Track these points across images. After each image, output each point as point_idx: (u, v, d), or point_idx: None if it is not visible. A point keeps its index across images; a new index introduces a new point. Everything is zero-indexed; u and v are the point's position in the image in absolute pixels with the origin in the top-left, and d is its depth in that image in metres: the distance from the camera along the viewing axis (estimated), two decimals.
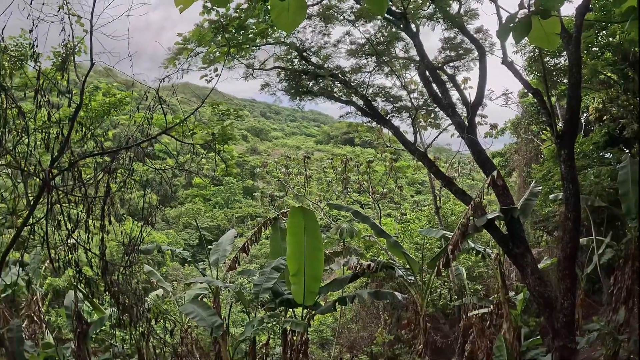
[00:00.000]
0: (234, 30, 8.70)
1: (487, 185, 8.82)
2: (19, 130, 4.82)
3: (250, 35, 9.33)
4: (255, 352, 10.20)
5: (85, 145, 5.62)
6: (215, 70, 9.37)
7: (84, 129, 5.34)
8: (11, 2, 4.39)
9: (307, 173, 22.19)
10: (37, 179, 4.88)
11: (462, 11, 10.32)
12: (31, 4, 4.65)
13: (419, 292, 10.78)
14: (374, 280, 14.91)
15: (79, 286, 7.60)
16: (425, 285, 10.97)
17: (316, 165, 30.73)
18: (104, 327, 9.72)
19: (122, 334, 9.62)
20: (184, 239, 39.64)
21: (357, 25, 10.92)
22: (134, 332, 6.99)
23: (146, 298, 8.57)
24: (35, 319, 9.04)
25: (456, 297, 14.09)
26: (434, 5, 10.14)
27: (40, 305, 9.20)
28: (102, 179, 5.14)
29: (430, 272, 10.57)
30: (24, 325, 8.28)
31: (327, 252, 14.35)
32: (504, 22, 2.79)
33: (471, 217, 8.88)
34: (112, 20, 5.15)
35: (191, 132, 6.47)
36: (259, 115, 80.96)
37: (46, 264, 8.91)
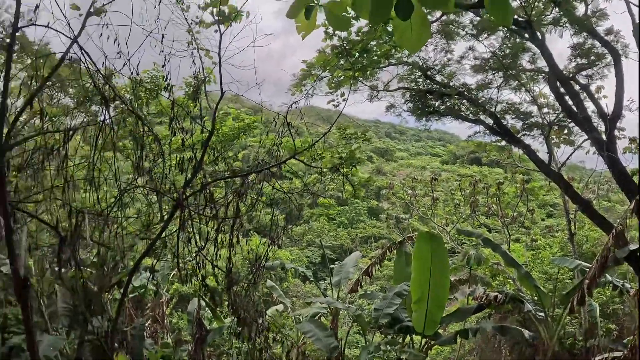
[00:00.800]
0: (357, 54, 8.87)
1: (630, 211, 7.94)
2: (155, 155, 5.37)
3: (374, 58, 9.44)
4: None
5: (217, 167, 6.12)
6: (342, 94, 9.53)
7: (215, 152, 5.80)
8: (144, 39, 4.97)
9: (434, 195, 21.75)
10: (172, 199, 5.40)
11: (589, 12, 9.54)
12: (162, 41, 5.21)
13: (547, 330, 9.96)
14: (497, 311, 14.06)
15: (202, 296, 8.15)
16: (555, 323, 10.10)
17: (442, 187, 30.01)
18: (221, 338, 10.26)
19: (238, 343, 10.14)
20: (307, 257, 40.72)
21: (480, 39, 10.57)
22: (249, 346, 7.33)
23: (266, 313, 8.92)
24: (159, 319, 9.83)
25: (586, 336, 12.76)
26: (558, 9, 9.48)
27: (165, 308, 10.00)
28: (232, 201, 5.53)
29: (561, 308, 9.71)
30: (147, 325, 9.02)
31: (452, 279, 13.88)
32: (638, 19, 2.55)
33: (612, 247, 8.04)
34: (238, 52, 5.60)
35: (319, 156, 6.73)
36: (384, 135, 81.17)
37: (174, 272, 9.77)
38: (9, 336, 9.83)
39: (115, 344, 6.42)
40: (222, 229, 5.66)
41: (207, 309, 9.65)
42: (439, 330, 10.76)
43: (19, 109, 4.54)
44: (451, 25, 10.43)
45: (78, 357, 6.36)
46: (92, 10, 4.77)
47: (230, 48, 5.55)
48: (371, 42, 8.94)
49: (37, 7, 4.32)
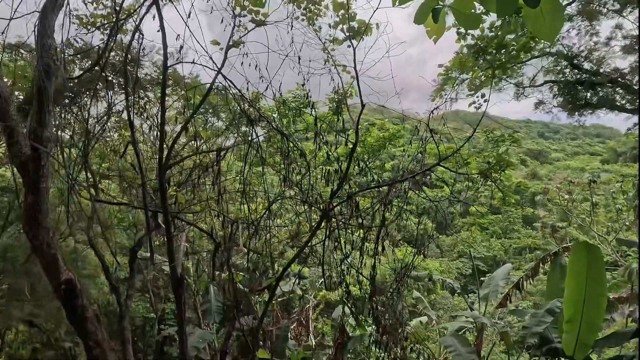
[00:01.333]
0: (494, 51, 8.48)
1: None
2: (302, 168, 5.68)
3: (512, 53, 8.95)
4: None
5: (364, 178, 6.29)
6: (483, 95, 9.24)
7: (361, 163, 5.97)
8: (281, 63, 5.29)
9: (593, 199, 19.83)
10: (319, 209, 5.67)
11: None
12: (299, 62, 5.48)
13: None
14: None
15: (347, 303, 8.36)
16: None
17: (603, 189, 27.25)
18: (361, 347, 10.40)
19: (377, 353, 10.19)
20: (457, 268, 39.61)
21: (624, 14, 9.42)
22: (387, 355, 7.34)
23: (408, 323, 8.88)
24: (304, 323, 10.24)
25: None
26: None
27: (311, 313, 10.40)
28: (378, 210, 5.65)
29: None
30: (292, 327, 9.43)
31: (611, 296, 12.53)
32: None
33: None
34: (374, 64, 5.71)
35: (465, 161, 6.57)
36: (536, 136, 76.13)
37: (322, 279, 10.15)
38: (164, 327, 11.09)
39: (260, 342, 6.84)
40: (368, 238, 5.79)
41: (351, 316, 9.88)
42: (591, 356, 9.77)
43: (175, 134, 5.10)
44: (592, 4, 9.47)
45: (224, 349, 6.90)
46: (230, 43, 5.20)
47: (366, 61, 5.67)
48: (507, 37, 8.46)
49: (181, 47, 4.88)
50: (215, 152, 5.23)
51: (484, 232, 47.81)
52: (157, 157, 4.68)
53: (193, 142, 6.02)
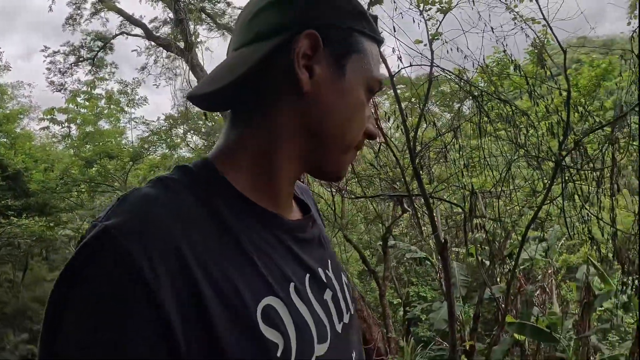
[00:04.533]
0: None
1: None
2: (526, 127, 6.24)
3: None
4: None
5: (586, 123, 6.58)
6: None
7: (579, 108, 6.29)
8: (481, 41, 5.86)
9: None
10: (550, 163, 6.18)
11: None
12: (492, 30, 6.06)
13: None
14: None
15: (592, 259, 8.45)
16: None
17: None
18: (609, 303, 10.16)
19: (623, 313, 9.90)
20: None
21: None
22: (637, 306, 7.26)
23: None
24: (547, 290, 10.36)
25: None
26: None
27: (553, 278, 10.48)
28: (606, 151, 5.93)
29: None
30: (536, 294, 9.68)
31: None
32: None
33: None
34: (559, 7, 5.97)
35: None
36: None
37: (562, 242, 10.21)
38: (410, 308, 12.12)
39: (508, 307, 7.40)
40: (603, 183, 6.05)
41: (596, 277, 9.82)
42: None
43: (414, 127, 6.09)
44: None
45: (477, 313, 7.61)
46: (430, 38, 5.97)
47: (551, 4, 5.91)
48: None
49: (399, 57, 5.82)
50: (452, 132, 6.12)
51: None
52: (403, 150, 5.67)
53: (426, 128, 6.93)
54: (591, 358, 8.79)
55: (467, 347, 7.32)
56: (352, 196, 7.65)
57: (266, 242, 0.81)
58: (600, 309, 9.95)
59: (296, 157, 0.87)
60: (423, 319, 11.36)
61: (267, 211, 0.84)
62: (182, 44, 11.39)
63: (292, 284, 0.81)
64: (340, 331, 0.89)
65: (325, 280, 0.92)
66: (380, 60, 0.96)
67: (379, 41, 0.92)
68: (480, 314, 7.92)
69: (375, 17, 0.93)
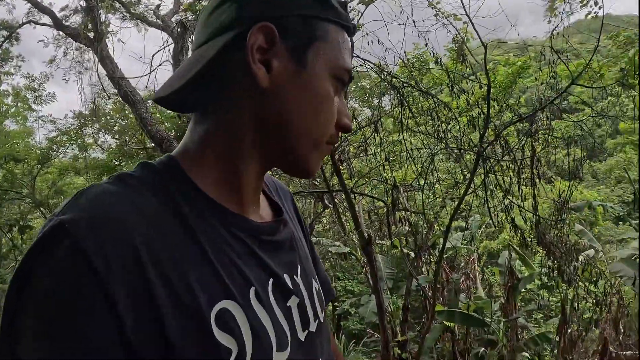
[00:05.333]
0: None
1: None
2: (447, 120, 6.33)
3: None
4: None
5: (503, 116, 6.79)
6: (596, 3, 9.05)
7: (498, 103, 6.48)
8: (403, 35, 5.93)
9: None
10: (471, 154, 6.29)
11: None
12: (414, 24, 6.10)
13: None
14: None
15: (512, 245, 8.87)
16: None
17: None
18: (532, 285, 10.80)
19: (547, 293, 10.50)
20: (617, 196, 37.31)
21: None
22: (561, 287, 7.69)
23: (578, 254, 9.13)
24: (471, 276, 10.79)
25: None
26: None
27: (476, 265, 10.94)
28: (526, 143, 6.14)
29: None
30: (461, 280, 10.06)
31: None
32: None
33: None
34: (482, 4, 6.15)
35: (598, 74, 6.75)
36: None
37: (482, 229, 10.60)
38: (339, 303, 12.22)
39: (436, 295, 7.57)
40: (524, 172, 6.26)
41: (517, 260, 10.27)
42: None
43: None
44: None
45: (406, 305, 7.72)
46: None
47: (472, 3, 6.12)
48: None
49: None
50: (373, 125, 6.06)
51: None
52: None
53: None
54: (520, 337, 9.17)
55: (400, 340, 7.40)
56: None
57: (228, 244, 0.78)
58: (523, 290, 10.48)
59: (260, 154, 0.85)
60: (353, 312, 11.42)
61: (231, 212, 0.82)
62: (92, 34, 10.72)
63: (252, 289, 0.78)
64: (303, 340, 0.87)
65: (291, 287, 0.88)
66: (349, 48, 0.89)
67: (348, 27, 0.88)
68: (409, 305, 8.02)
69: (344, 4, 0.88)
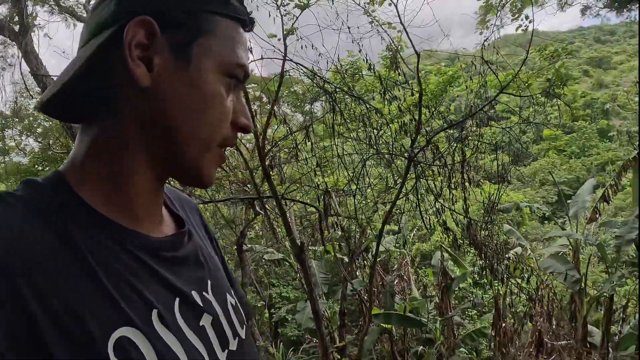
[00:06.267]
0: None
1: None
2: (379, 125, 6.42)
3: None
4: (612, 312, 9.89)
5: (434, 123, 6.95)
6: (527, 17, 9.47)
7: (429, 109, 6.63)
8: (337, 41, 6.00)
9: None
10: (402, 159, 6.40)
11: None
12: (349, 31, 6.16)
13: None
14: None
15: (444, 246, 9.11)
16: None
17: None
18: (465, 284, 11.20)
19: (480, 291, 10.88)
20: (541, 197, 39.35)
21: None
22: (494, 285, 7.98)
23: (507, 253, 9.51)
24: (405, 277, 11.04)
25: None
26: None
27: (409, 267, 11.20)
28: (456, 149, 6.31)
29: None
30: (395, 283, 10.27)
31: None
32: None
33: None
34: (416, 14, 6.33)
35: (526, 84, 7.04)
36: (593, 42, 73.25)
37: (414, 232, 10.82)
38: (275, 310, 12.18)
39: (371, 299, 7.68)
40: (454, 177, 6.44)
41: (449, 261, 10.57)
42: None
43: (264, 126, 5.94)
44: None
45: (342, 310, 7.78)
46: (284, 33, 5.89)
47: (407, 12, 6.28)
48: None
49: (250, 50, 5.63)
50: (304, 130, 6.02)
51: (562, 155, 47.08)
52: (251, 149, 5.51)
53: (274, 129, 6.82)
54: (456, 334, 9.44)
55: (339, 345, 7.43)
56: (199, 201, 7.33)
57: (123, 264, 0.72)
58: (456, 289, 10.81)
59: (148, 161, 0.78)
60: (289, 319, 11.36)
61: (125, 228, 0.75)
62: (17, 28, 10.18)
63: (155, 311, 0.71)
64: None
65: (201, 304, 0.82)
66: (243, 42, 0.83)
67: (243, 21, 0.82)
68: (345, 309, 8.08)
69: None
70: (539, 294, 9.34)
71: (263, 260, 10.66)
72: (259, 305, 11.73)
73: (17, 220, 0.65)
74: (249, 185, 7.53)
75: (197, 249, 0.90)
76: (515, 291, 9.01)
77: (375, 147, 6.53)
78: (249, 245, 9.88)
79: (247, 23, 0.84)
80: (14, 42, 10.61)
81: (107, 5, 0.75)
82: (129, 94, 0.74)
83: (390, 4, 6.57)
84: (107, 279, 0.68)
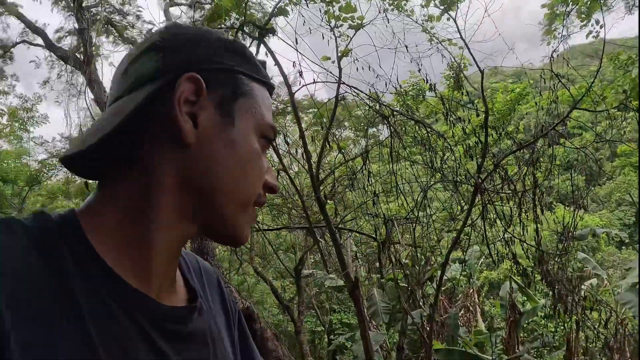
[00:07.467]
0: None
1: None
2: (443, 149, 5.99)
3: None
4: None
5: (501, 144, 6.47)
6: (598, 22, 8.83)
7: (496, 130, 6.16)
8: (393, 59, 5.66)
9: None
10: (468, 186, 5.94)
11: None
12: (407, 50, 5.82)
13: None
14: None
15: (514, 277, 8.48)
16: None
17: None
18: (535, 318, 10.42)
19: (552, 325, 10.09)
20: (618, 219, 37.08)
21: None
22: (566, 322, 7.29)
23: (581, 287, 8.79)
24: (471, 308, 10.42)
25: None
26: None
27: (476, 297, 10.57)
28: (526, 172, 5.80)
29: None
30: (460, 314, 9.67)
31: None
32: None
33: None
34: (477, 28, 5.92)
35: (601, 97, 6.47)
36: None
37: (482, 260, 10.25)
38: (335, 337, 11.82)
39: (432, 333, 7.20)
40: (524, 204, 5.92)
41: (519, 292, 9.93)
42: None
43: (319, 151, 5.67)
44: None
45: (400, 345, 7.33)
46: (339, 55, 5.61)
47: (467, 27, 5.87)
48: None
49: (300, 73, 5.38)
50: (362, 156, 5.71)
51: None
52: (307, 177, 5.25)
53: (335, 154, 6.56)
54: None
55: None
56: (256, 228, 7.13)
57: (123, 329, 0.65)
58: (525, 323, 10.10)
59: (177, 218, 0.73)
60: (348, 346, 11.01)
61: (131, 287, 0.69)
62: (82, 57, 10.55)
63: None
64: None
65: None
66: (271, 106, 0.83)
67: (270, 86, 0.84)
68: (404, 342, 7.63)
69: (264, 62, 0.84)
70: (617, 337, 8.58)
71: (324, 287, 10.43)
72: (318, 330, 11.48)
73: (13, 248, 0.62)
74: (309, 212, 7.35)
75: (205, 328, 0.83)
76: (590, 329, 8.25)
77: (441, 172, 6.13)
78: (310, 271, 9.66)
79: (271, 87, 0.84)
80: (79, 71, 11.00)
81: (150, 58, 0.73)
82: (165, 151, 0.71)
83: (448, 19, 6.22)
84: (100, 339, 0.62)
